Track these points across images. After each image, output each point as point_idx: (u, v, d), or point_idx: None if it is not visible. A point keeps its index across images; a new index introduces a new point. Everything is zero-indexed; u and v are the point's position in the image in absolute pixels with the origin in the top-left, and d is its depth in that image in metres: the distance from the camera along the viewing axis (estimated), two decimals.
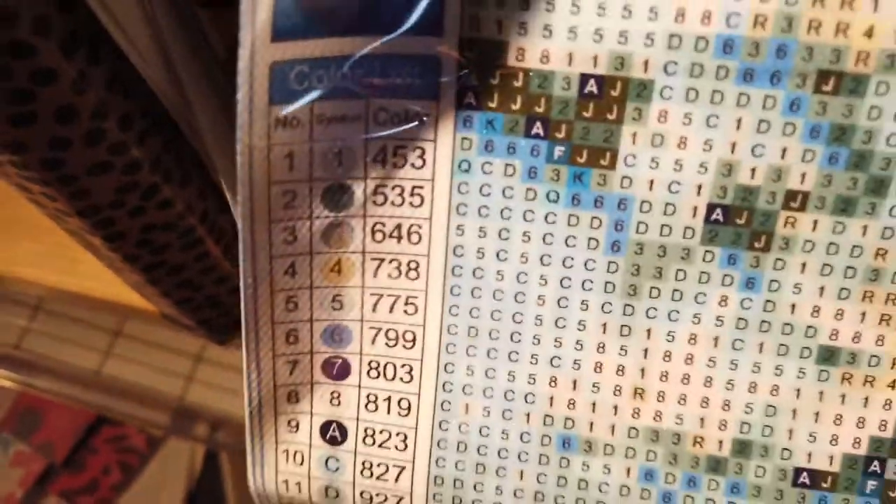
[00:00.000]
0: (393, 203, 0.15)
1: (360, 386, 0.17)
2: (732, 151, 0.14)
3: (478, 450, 0.17)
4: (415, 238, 0.16)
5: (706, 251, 0.15)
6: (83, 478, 0.37)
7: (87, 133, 0.17)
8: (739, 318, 0.15)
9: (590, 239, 0.15)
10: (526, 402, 0.16)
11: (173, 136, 0.20)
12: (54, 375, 0.37)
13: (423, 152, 0.15)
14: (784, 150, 0.14)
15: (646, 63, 0.14)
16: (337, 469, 0.17)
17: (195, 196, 0.21)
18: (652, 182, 0.15)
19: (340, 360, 0.17)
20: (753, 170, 0.14)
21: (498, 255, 0.16)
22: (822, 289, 0.15)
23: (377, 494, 0.17)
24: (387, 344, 0.16)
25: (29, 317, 0.39)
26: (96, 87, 0.17)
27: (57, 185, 0.18)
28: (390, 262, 0.16)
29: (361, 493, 0.17)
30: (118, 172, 0.19)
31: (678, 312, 0.15)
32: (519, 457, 0.16)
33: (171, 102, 0.18)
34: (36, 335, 0.39)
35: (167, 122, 0.19)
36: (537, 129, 0.15)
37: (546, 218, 0.15)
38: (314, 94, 0.14)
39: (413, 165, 0.15)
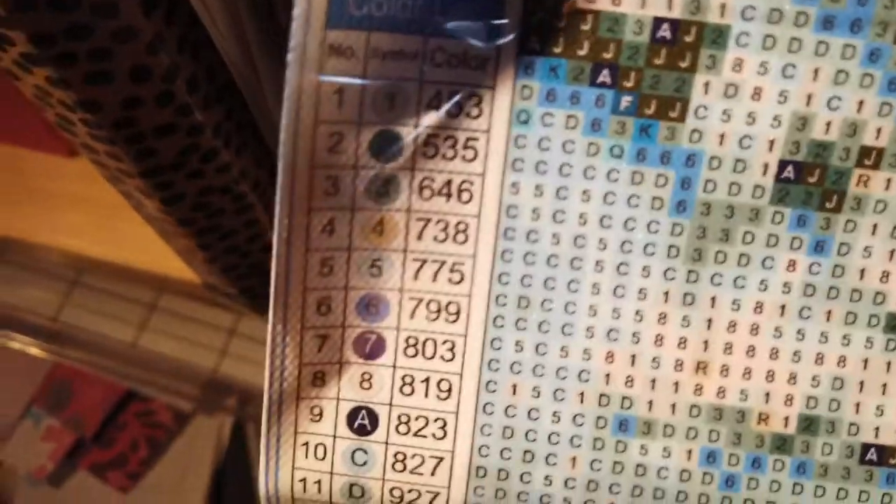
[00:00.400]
0: (444, 156, 0.14)
1: (394, 366, 0.15)
2: (808, 104, 0.14)
3: (525, 435, 0.15)
4: (465, 196, 0.14)
5: (775, 212, 0.14)
6: (112, 452, 0.38)
7: (159, 94, 0.17)
8: (807, 285, 0.15)
9: (654, 198, 0.14)
10: (580, 380, 0.15)
11: (235, 103, 0.20)
12: (90, 348, 0.39)
13: (480, 100, 0.14)
14: (861, 104, 0.14)
15: (723, 7, 0.13)
16: (364, 463, 0.15)
17: (251, 163, 0.21)
18: (723, 136, 0.14)
19: (375, 336, 0.15)
20: (828, 124, 0.14)
21: (554, 217, 0.14)
22: (892, 252, 0.14)
23: (410, 491, 0.15)
24: (427, 317, 0.15)
25: (67, 290, 0.40)
26: (169, 48, 0.17)
27: (124, 145, 0.18)
28: (437, 222, 0.14)
29: (392, 490, 0.15)
30: (182, 134, 0.18)
31: (744, 279, 0.15)
32: (571, 442, 0.15)
33: (237, 68, 0.18)
34: (73, 308, 0.40)
35: (230, 88, 0.19)
36: (604, 76, 0.14)
37: (608, 175, 0.14)
38: (372, 22, 0.13)
39: (468, 114, 0.14)
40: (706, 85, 0.14)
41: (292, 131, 0.13)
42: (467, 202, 0.14)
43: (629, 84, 0.14)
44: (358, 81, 0.13)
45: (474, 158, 0.14)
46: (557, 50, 0.14)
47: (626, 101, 0.14)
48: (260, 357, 0.15)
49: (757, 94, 0.14)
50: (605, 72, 0.14)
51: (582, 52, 0.14)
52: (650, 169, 0.14)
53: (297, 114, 0.13)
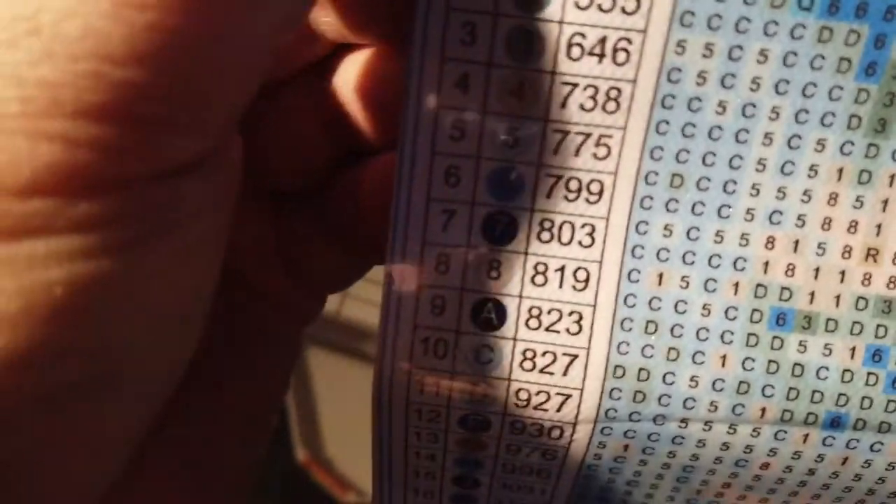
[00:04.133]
0: (601, 7, 0.12)
1: (526, 252, 0.14)
2: None
3: (671, 330, 0.14)
4: (620, 57, 0.13)
5: None
6: None
7: None
8: None
9: (841, 60, 0.13)
10: (735, 268, 0.14)
11: None
12: None
13: None
14: None
15: None
16: (489, 361, 0.14)
17: None
18: None
19: (506, 218, 0.14)
20: None
21: (723, 82, 0.13)
22: None
23: (538, 393, 0.14)
24: (566, 197, 0.14)
25: None
26: None
27: None
28: (585, 88, 0.13)
29: (518, 392, 0.14)
30: None
31: None
32: (722, 338, 0.14)
33: None
34: None
35: None
36: None
37: (792, 32, 0.13)
38: None
39: None
40: None
41: None
42: (622, 64, 0.13)
43: None
44: None
45: (636, 10, 0.12)
46: None
47: None
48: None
49: None
50: None
51: None
52: (841, 24, 0.13)
53: None
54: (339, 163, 0.17)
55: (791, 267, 0.14)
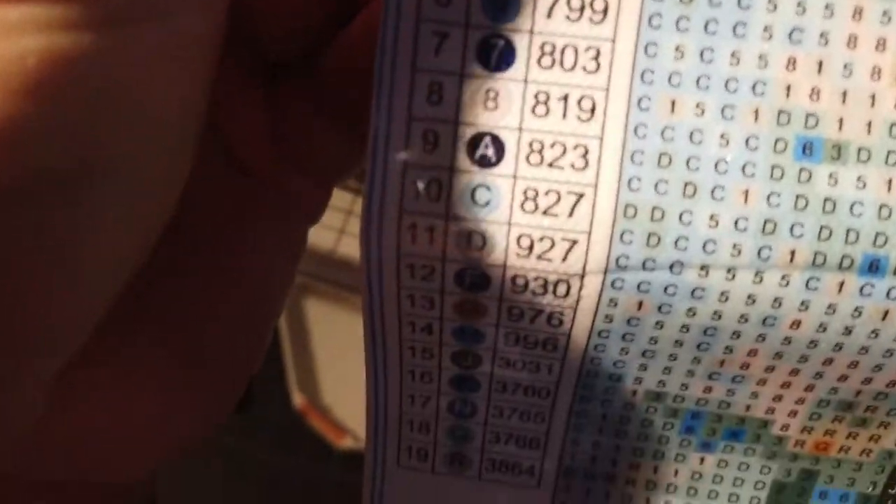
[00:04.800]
0: None
1: (526, 80, 0.13)
2: None
3: (686, 163, 0.13)
4: None
5: None
6: None
7: None
8: None
9: None
10: (754, 93, 0.13)
11: None
12: None
13: None
14: None
15: None
16: (487, 203, 0.13)
17: None
18: None
19: (502, 42, 0.13)
20: None
21: None
22: None
23: (541, 239, 0.13)
24: (568, 17, 0.12)
25: None
26: None
27: None
28: None
29: (519, 238, 0.13)
30: None
31: None
32: (743, 170, 0.13)
33: None
34: None
35: None
36: None
37: None
38: None
39: None
40: None
41: None
42: None
43: None
44: None
45: None
46: None
47: None
48: None
49: None
50: None
51: None
52: None
53: None
54: (334, 24, 0.16)
55: (815, 91, 0.13)
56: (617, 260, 0.13)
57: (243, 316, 0.16)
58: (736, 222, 0.13)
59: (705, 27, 0.13)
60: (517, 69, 0.13)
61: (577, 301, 0.14)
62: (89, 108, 0.10)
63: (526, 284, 0.14)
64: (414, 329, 0.15)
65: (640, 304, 0.14)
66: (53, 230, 0.11)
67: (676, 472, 0.17)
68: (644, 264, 0.13)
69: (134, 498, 0.17)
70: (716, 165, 0.13)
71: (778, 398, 0.15)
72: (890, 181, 0.13)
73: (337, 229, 0.38)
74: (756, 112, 0.13)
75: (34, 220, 0.10)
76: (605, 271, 0.13)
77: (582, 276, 0.13)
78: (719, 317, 0.14)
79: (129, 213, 0.12)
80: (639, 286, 0.13)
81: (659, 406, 0.16)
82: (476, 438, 0.17)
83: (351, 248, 0.38)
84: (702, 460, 0.17)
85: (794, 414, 0.16)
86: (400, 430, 0.17)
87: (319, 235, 0.36)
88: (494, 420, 0.16)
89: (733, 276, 0.13)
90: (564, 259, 0.13)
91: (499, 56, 0.13)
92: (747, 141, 0.13)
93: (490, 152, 0.13)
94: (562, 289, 0.14)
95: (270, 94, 0.16)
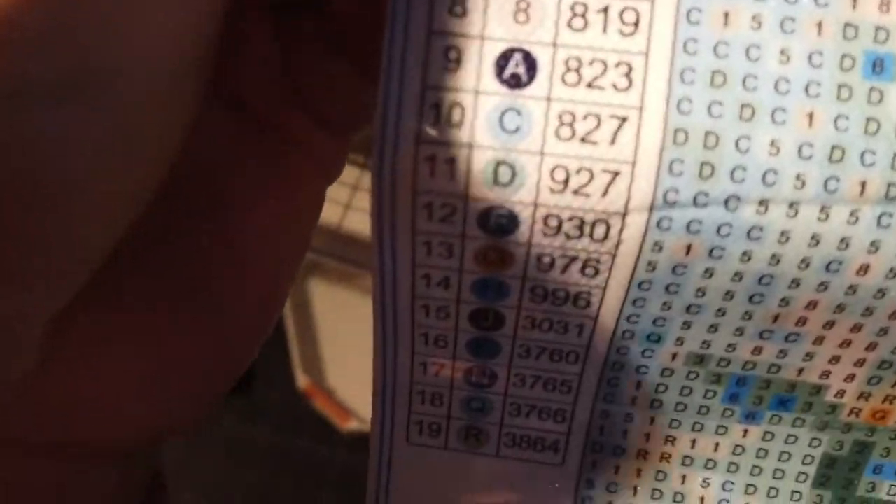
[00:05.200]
0: None
1: None
2: None
3: (743, 82, 0.11)
4: None
5: None
6: None
7: None
8: None
9: None
10: (816, 4, 0.11)
11: None
12: None
13: None
14: None
15: None
16: (517, 129, 0.11)
17: None
18: None
19: None
20: None
21: None
22: None
23: (578, 171, 0.12)
24: None
25: None
26: None
27: None
28: None
29: (553, 170, 0.12)
30: None
31: None
32: (806, 90, 0.11)
33: None
34: None
35: None
36: None
37: None
38: None
39: None
40: None
41: None
42: None
43: None
44: None
45: None
46: None
47: None
48: None
49: None
50: None
51: None
52: None
53: None
54: None
55: (885, 2, 0.12)
56: (665, 195, 0.12)
57: (252, 278, 0.14)
58: (800, 149, 0.12)
59: None
60: None
61: (617, 245, 0.12)
62: (84, 13, 0.09)
63: (559, 226, 0.12)
64: (429, 283, 0.13)
65: (689, 248, 0.12)
66: (43, 141, 0.10)
67: (717, 447, 0.15)
68: (695, 199, 0.12)
69: (137, 467, 0.15)
70: (776, 85, 0.12)
71: (835, 359, 0.14)
72: None
73: (343, 204, 0.37)
74: (819, 25, 0.11)
75: (24, 129, 0.09)
76: (651, 208, 0.12)
77: (624, 215, 0.12)
78: (777, 261, 0.12)
79: (125, 140, 0.11)
80: (688, 226, 0.12)
81: (701, 371, 0.14)
82: (494, 411, 0.15)
83: (357, 223, 0.36)
84: (745, 433, 0.15)
85: (851, 378, 0.14)
86: (410, 403, 0.15)
87: (325, 210, 0.35)
88: (516, 389, 0.15)
89: (796, 213, 0.12)
90: (605, 194, 0.12)
91: None
92: (810, 57, 0.11)
93: (521, 71, 0.12)
94: (600, 230, 0.12)
95: (280, 34, 0.15)
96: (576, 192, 0.12)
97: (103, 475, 0.14)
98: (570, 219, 0.12)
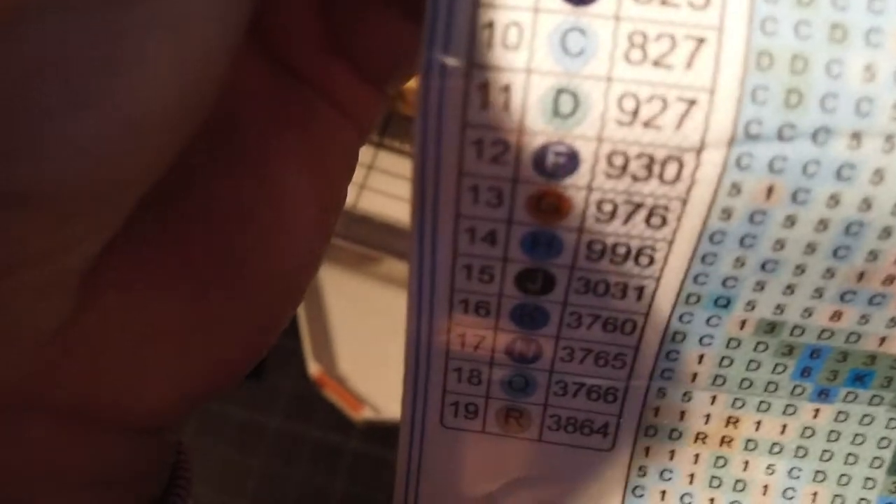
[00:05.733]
0: None
1: None
2: None
3: (833, 1, 0.10)
4: None
5: None
6: None
7: None
8: None
9: None
10: None
11: None
12: None
13: None
14: None
15: None
16: (581, 52, 0.10)
17: None
18: None
19: None
20: None
21: None
22: None
23: (651, 98, 0.10)
24: None
25: None
26: None
27: None
28: None
29: (621, 98, 0.10)
30: None
31: None
32: None
33: None
34: None
35: None
36: None
37: None
38: None
39: None
40: None
41: None
42: None
43: None
44: None
45: None
46: None
47: None
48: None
49: None
50: None
51: None
52: None
53: None
54: None
55: None
56: (746, 127, 0.10)
57: (287, 233, 0.13)
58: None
59: None
60: None
61: (689, 188, 0.11)
62: None
63: (625, 165, 0.11)
64: (473, 237, 0.12)
65: (770, 191, 0.11)
66: (96, 37, 0.09)
67: (784, 429, 0.14)
68: (780, 132, 0.10)
69: (165, 442, 0.14)
70: (869, 3, 0.10)
71: None
72: None
73: (357, 184, 0.36)
74: None
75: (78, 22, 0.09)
76: (731, 143, 0.10)
77: (699, 151, 0.11)
78: (868, 206, 0.11)
79: (171, 54, 0.09)
80: (771, 164, 0.11)
81: (771, 342, 0.13)
82: (538, 389, 0.14)
83: (372, 203, 0.35)
84: (816, 413, 0.14)
85: None
86: (445, 381, 0.14)
87: None
88: (563, 365, 0.13)
89: (892, 147, 0.11)
90: (679, 126, 0.10)
91: None
92: None
93: None
94: (671, 170, 0.11)
95: None
96: (646, 124, 0.10)
97: (133, 448, 0.13)
98: (639, 156, 0.11)
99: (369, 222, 0.35)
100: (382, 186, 0.34)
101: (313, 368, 0.39)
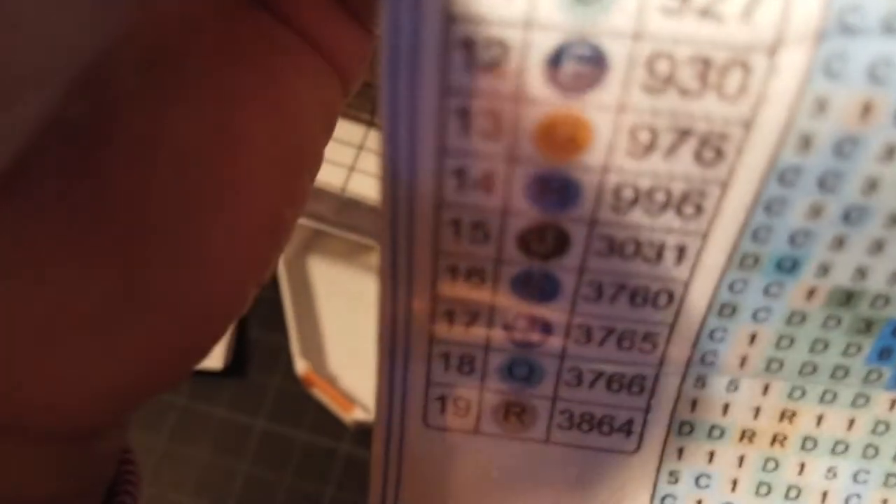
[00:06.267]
0: None
1: None
2: None
3: None
4: None
5: None
6: None
7: None
8: None
9: None
10: None
11: None
12: None
13: None
14: None
15: None
16: None
17: None
18: None
19: None
20: None
21: None
22: None
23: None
24: None
25: None
26: None
27: None
28: None
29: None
30: None
31: None
32: None
33: None
34: None
35: None
36: None
37: None
38: None
39: None
40: None
41: None
42: None
43: None
44: None
45: None
46: None
47: None
48: None
49: None
50: None
51: None
52: None
53: None
54: None
55: None
56: (841, 15, 0.08)
57: (233, 194, 0.10)
58: None
59: None
60: None
61: (757, 105, 0.08)
62: None
63: (671, 73, 0.08)
64: (462, 181, 0.09)
65: (867, 109, 0.08)
66: None
67: (851, 424, 0.11)
68: (888, 24, 0.08)
69: (102, 445, 0.11)
70: None
71: None
72: None
73: (346, 166, 0.33)
74: None
75: None
76: (818, 37, 0.08)
77: (773, 51, 0.08)
78: None
79: None
80: (871, 70, 0.08)
81: (846, 315, 0.10)
82: (546, 379, 0.11)
83: (363, 186, 0.33)
84: (893, 404, 0.11)
85: None
86: (429, 370, 0.11)
87: (327, 173, 0.31)
88: (578, 348, 0.11)
89: None
90: (747, 15, 0.08)
91: None
92: None
93: None
94: (733, 80, 0.08)
95: None
96: (702, 13, 0.08)
97: (61, 461, 0.11)
98: (690, 61, 0.08)
99: (360, 207, 0.32)
100: (374, 168, 0.31)
101: (301, 366, 0.37)
